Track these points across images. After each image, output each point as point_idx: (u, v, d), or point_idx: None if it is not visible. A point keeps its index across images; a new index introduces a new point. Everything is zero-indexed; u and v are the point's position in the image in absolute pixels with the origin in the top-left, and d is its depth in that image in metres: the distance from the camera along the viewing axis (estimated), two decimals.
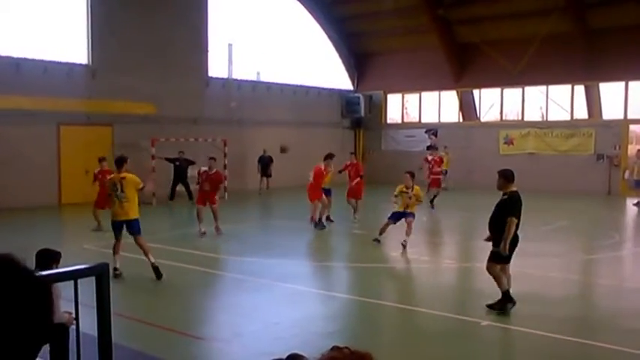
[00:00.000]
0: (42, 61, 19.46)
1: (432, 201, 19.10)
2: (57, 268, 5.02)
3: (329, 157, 15.69)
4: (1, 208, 17.49)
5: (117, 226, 10.02)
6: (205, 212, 14.13)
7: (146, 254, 9.97)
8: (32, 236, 12.63)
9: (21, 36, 19.25)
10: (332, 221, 15.91)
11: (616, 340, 7.04)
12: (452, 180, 24.49)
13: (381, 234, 12.91)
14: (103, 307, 2.54)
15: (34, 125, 19.19)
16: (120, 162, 10.27)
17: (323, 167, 15.50)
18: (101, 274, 2.52)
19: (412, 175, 12.84)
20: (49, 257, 5.46)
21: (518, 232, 8.13)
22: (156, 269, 9.82)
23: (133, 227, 9.98)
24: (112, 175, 10.35)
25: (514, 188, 8.19)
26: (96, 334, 3.08)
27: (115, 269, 9.64)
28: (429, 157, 20.37)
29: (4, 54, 18.79)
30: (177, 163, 20.59)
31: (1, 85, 18.26)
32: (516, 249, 8.19)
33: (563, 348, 6.99)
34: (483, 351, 7.11)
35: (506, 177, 8.23)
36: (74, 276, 2.40)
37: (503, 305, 7.97)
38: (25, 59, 19.14)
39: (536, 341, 7.08)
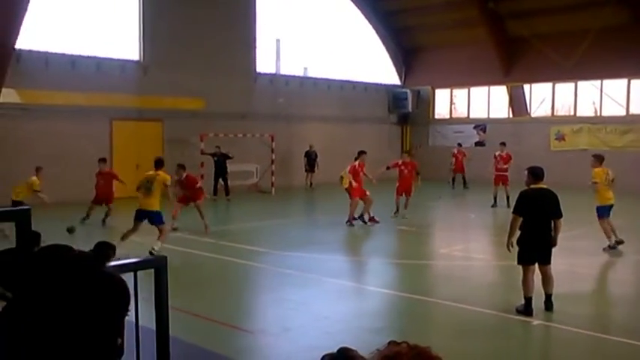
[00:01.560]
0: (95, 58, 19.99)
1: (503, 200, 18.54)
2: (112, 260, 5.14)
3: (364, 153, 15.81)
4: (55, 202, 18.01)
5: (140, 216, 11.29)
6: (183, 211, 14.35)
7: (159, 237, 11.18)
8: (85, 229, 12.98)
9: (76, 34, 19.79)
10: (377, 222, 15.45)
11: None
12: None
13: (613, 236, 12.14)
14: (161, 300, 2.60)
15: (88, 120, 19.73)
16: (159, 163, 11.80)
17: (357, 164, 15.51)
18: (160, 267, 2.57)
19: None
20: (107, 250, 5.60)
21: (536, 232, 7.88)
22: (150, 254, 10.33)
23: (155, 219, 11.26)
24: (150, 173, 11.57)
25: (540, 185, 7.99)
26: (150, 326, 3.15)
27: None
28: (496, 153, 19.86)
29: (59, 51, 19.36)
30: (215, 159, 20.83)
31: (57, 81, 18.83)
32: (547, 251, 7.91)
33: (616, 349, 6.81)
34: (533, 350, 6.99)
35: (534, 174, 8.05)
36: (134, 268, 2.45)
37: (525, 309, 7.78)
38: (80, 56, 19.69)
39: (588, 342, 6.93)
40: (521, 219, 7.87)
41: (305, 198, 23.33)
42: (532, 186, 8.02)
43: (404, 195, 16.38)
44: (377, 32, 29.58)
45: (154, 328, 3.04)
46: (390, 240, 14.54)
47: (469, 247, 13.58)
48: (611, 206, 12.19)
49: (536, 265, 7.96)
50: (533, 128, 26.50)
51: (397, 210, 16.35)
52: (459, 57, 28.08)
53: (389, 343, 1.61)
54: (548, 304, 7.89)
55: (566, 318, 7.66)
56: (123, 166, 20.59)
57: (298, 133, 25.38)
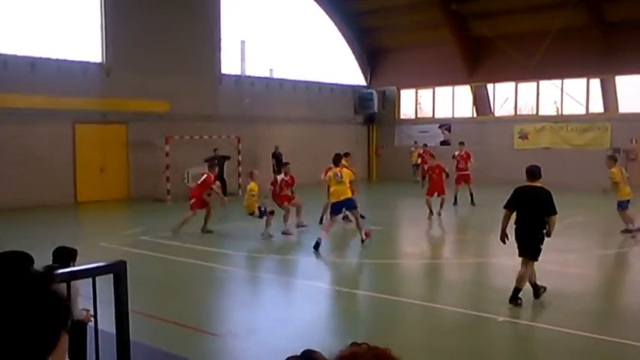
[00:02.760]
0: (57, 60, 19.59)
1: (467, 199, 18.98)
2: (74, 265, 5.05)
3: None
4: (18, 207, 17.65)
5: (337, 207, 12.73)
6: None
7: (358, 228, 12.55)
8: (49, 234, 12.73)
9: (36, 35, 19.39)
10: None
11: (635, 336, 6.97)
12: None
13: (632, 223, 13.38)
14: (121, 304, 2.55)
15: (50, 124, 19.33)
16: (338, 159, 13.16)
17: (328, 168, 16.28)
18: (119, 272, 2.52)
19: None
20: (66, 254, 5.49)
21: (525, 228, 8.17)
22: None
23: (350, 204, 12.78)
24: (335, 168, 12.85)
25: (534, 184, 8.33)
26: (113, 331, 3.10)
27: (318, 243, 11.81)
28: (455, 153, 20.10)
29: (19, 53, 18.93)
30: (216, 162, 20.73)
31: (17, 84, 18.40)
32: (531, 247, 8.13)
33: (580, 343, 6.94)
34: (500, 346, 7.07)
35: (529, 173, 8.45)
36: (92, 273, 2.40)
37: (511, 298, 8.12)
38: (40, 58, 19.27)
39: (553, 337, 7.04)
40: (511, 213, 8.26)
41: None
42: (527, 184, 8.38)
43: (436, 195, 16.90)
44: (342, 33, 29.67)
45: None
46: (356, 239, 14.55)
47: (435, 246, 13.70)
48: (628, 200, 13.42)
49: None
50: (497, 127, 26.87)
51: (431, 211, 16.70)
52: (423, 57, 28.34)
53: (351, 344, 1.62)
54: (512, 298, 8.04)
55: (532, 314, 7.78)
56: (87, 170, 20.28)
57: (264, 134, 25.29)
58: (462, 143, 20.48)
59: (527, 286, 8.19)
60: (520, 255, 8.21)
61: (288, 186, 15.03)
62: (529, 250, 8.14)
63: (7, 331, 1.17)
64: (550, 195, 8.18)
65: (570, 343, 6.91)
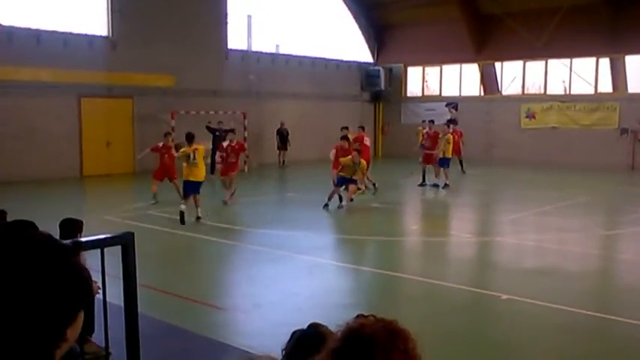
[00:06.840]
0: (62, 33, 19.52)
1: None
2: (80, 237, 5.08)
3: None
4: (23, 181, 17.72)
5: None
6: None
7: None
8: (54, 207, 12.79)
9: (41, 7, 19.29)
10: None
11: (635, 315, 7.00)
12: (472, 154, 24.27)
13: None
14: (129, 276, 2.57)
15: (55, 97, 19.32)
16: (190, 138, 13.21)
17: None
18: (127, 244, 2.54)
19: None
20: (72, 226, 5.52)
21: None
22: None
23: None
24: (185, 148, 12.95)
25: None
26: (120, 303, 3.12)
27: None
28: (424, 131, 20.07)
29: (24, 25, 18.85)
30: (217, 134, 20.49)
31: (22, 56, 18.35)
32: None
33: (581, 321, 6.97)
34: (503, 324, 7.11)
35: None
36: (100, 245, 2.41)
37: None
38: (46, 31, 19.20)
39: (555, 315, 7.07)
40: None
41: (278, 176, 23.26)
42: None
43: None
44: (349, 9, 29.41)
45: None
46: (361, 217, 14.59)
47: (440, 224, 13.71)
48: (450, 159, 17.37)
49: None
50: (504, 106, 26.72)
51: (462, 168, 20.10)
52: (431, 34, 28.10)
53: (357, 316, 1.63)
54: None
55: (537, 293, 7.80)
56: (93, 144, 20.31)
57: (270, 110, 25.22)
58: (456, 122, 21.08)
59: (527, 266, 8.20)
60: None
61: (236, 153, 14.94)
62: None
63: (34, 300, 1.16)
64: None
65: (570, 320, 6.93)
